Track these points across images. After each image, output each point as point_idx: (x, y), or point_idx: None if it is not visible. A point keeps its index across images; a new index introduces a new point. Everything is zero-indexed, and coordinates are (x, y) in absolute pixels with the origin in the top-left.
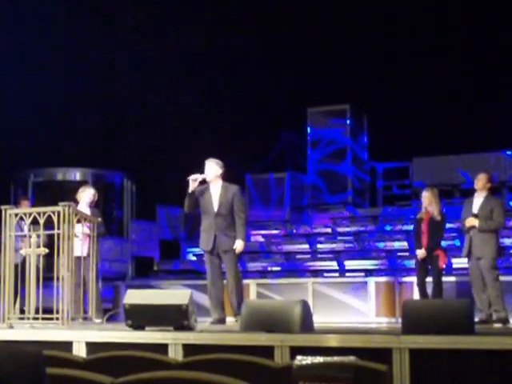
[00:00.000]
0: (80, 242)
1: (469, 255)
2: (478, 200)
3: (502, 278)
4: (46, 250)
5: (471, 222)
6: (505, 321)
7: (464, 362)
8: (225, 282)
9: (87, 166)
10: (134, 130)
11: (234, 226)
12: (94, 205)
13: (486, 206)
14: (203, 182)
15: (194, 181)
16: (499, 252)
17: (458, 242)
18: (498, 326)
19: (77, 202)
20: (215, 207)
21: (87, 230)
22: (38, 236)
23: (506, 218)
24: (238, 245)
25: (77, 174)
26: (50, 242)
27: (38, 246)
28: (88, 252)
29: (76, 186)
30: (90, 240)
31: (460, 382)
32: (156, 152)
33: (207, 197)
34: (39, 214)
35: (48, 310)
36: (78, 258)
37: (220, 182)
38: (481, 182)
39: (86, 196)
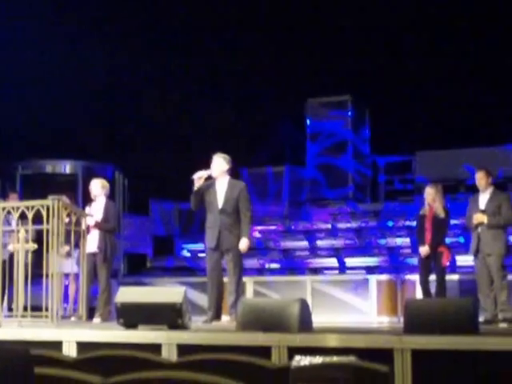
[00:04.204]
0: (92, 236)
1: (476, 253)
2: (484, 196)
3: (508, 277)
4: (35, 246)
5: (479, 218)
6: (510, 321)
7: (468, 363)
8: (225, 279)
9: (78, 159)
10: (128, 123)
11: (238, 224)
12: (108, 197)
13: (493, 202)
14: (209, 177)
15: (199, 179)
16: (508, 250)
17: (462, 239)
18: (503, 326)
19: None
20: (220, 204)
21: (91, 222)
22: (27, 231)
23: None
24: (243, 243)
25: (67, 167)
26: (38, 238)
27: (27, 242)
28: (99, 247)
29: (66, 179)
30: (101, 234)
31: (463, 383)
32: (149, 145)
33: (212, 193)
34: (28, 207)
35: (37, 309)
36: (90, 254)
37: (227, 178)
38: (482, 180)
39: (92, 188)
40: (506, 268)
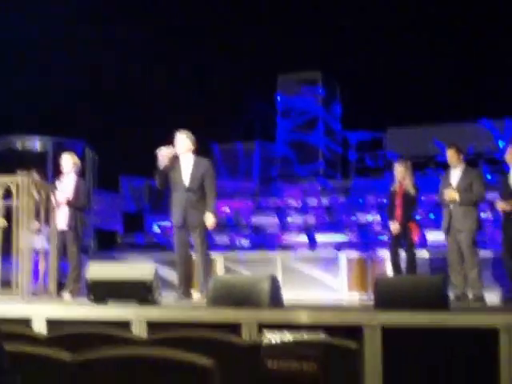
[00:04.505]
0: (61, 213)
1: (447, 230)
2: (455, 173)
3: (479, 254)
4: (5, 222)
5: (451, 195)
6: (480, 298)
7: (438, 339)
8: (193, 257)
9: (48, 135)
10: (98, 99)
11: (204, 201)
12: (78, 174)
13: (464, 179)
14: (174, 156)
15: (164, 156)
16: (479, 226)
17: (432, 216)
18: (473, 303)
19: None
20: (186, 182)
21: (61, 198)
22: None
23: None
24: (209, 219)
25: (37, 143)
26: (8, 214)
27: None
28: (68, 224)
29: (35, 155)
30: (70, 211)
31: (433, 360)
32: (119, 121)
33: (178, 171)
34: None
35: (7, 285)
36: (60, 230)
37: (191, 155)
38: (453, 157)
39: (63, 163)
40: (477, 245)
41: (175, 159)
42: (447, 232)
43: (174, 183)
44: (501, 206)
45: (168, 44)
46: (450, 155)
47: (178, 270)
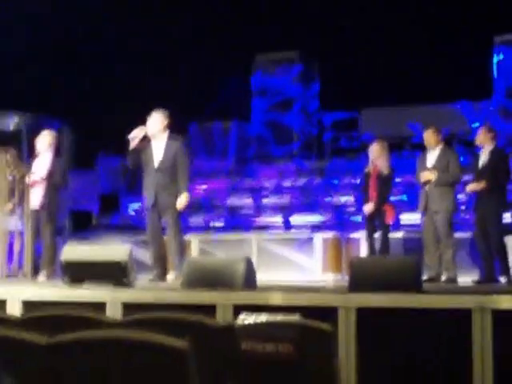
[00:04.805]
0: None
1: (424, 210)
2: (433, 153)
3: (455, 236)
4: None
5: (427, 176)
6: (453, 280)
7: (411, 321)
8: (166, 238)
9: (22, 112)
10: (74, 75)
11: (175, 182)
12: (55, 152)
13: (442, 159)
14: (145, 136)
15: (134, 137)
16: (456, 207)
17: (405, 197)
18: (446, 284)
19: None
20: (156, 163)
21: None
22: None
23: None
24: (182, 199)
25: (11, 121)
26: None
27: None
28: (42, 204)
29: (10, 133)
30: (45, 190)
31: (407, 341)
32: (96, 99)
33: (149, 152)
34: None
35: None
36: (35, 210)
37: (164, 135)
38: (431, 138)
39: (39, 142)
40: (452, 226)
41: (147, 140)
42: (424, 213)
43: (146, 164)
44: (469, 188)
45: (143, 22)
46: (428, 136)
47: (151, 251)
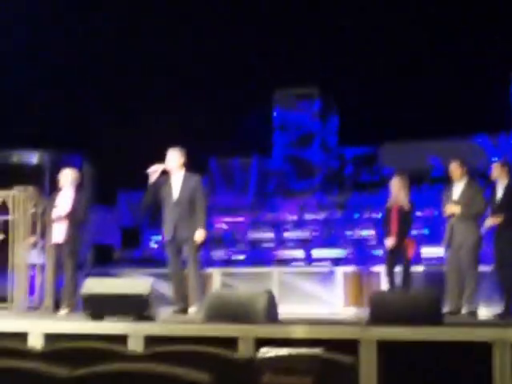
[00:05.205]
0: (57, 227)
1: (448, 244)
2: (458, 186)
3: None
4: (1, 236)
5: (451, 209)
6: (474, 313)
7: (432, 353)
8: (186, 271)
9: (43, 149)
10: (96, 113)
11: (194, 216)
12: (77, 188)
13: (466, 193)
14: (164, 172)
15: (153, 172)
16: (481, 241)
17: (427, 231)
18: (467, 317)
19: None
20: (175, 197)
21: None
22: None
23: None
24: (199, 234)
25: (32, 157)
26: (4, 228)
27: None
28: (64, 239)
29: (31, 169)
30: (68, 226)
31: (428, 373)
32: (117, 136)
33: (168, 186)
34: None
35: (3, 300)
36: (57, 245)
37: (182, 171)
38: (457, 171)
39: (62, 177)
40: (477, 260)
41: (166, 175)
42: (448, 246)
43: (165, 199)
44: (487, 222)
45: (166, 57)
46: (454, 168)
47: (172, 284)
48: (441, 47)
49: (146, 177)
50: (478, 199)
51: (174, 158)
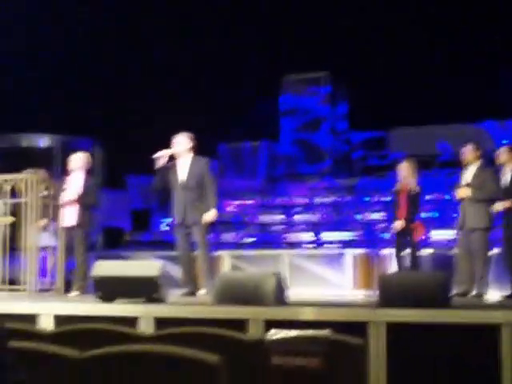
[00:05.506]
0: (68, 210)
1: (461, 227)
2: (470, 170)
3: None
4: (13, 219)
5: (463, 192)
6: (482, 295)
7: (441, 336)
8: (195, 254)
9: (54, 132)
10: (106, 96)
11: (203, 199)
12: (88, 172)
13: (478, 176)
14: (172, 157)
15: (160, 157)
16: (492, 224)
17: (436, 214)
18: (474, 299)
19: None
20: (183, 180)
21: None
22: (4, 204)
23: None
24: (210, 214)
25: (43, 141)
26: (15, 211)
27: (4, 215)
28: (76, 222)
29: (42, 152)
30: (78, 209)
31: (436, 355)
32: (127, 119)
33: (176, 171)
34: (5, 180)
35: (15, 282)
36: (68, 228)
37: (190, 156)
38: (470, 154)
39: (73, 161)
40: (488, 244)
41: (173, 160)
42: (460, 228)
43: (173, 183)
44: (495, 207)
45: (172, 43)
46: (468, 152)
47: (182, 267)
48: (448, 33)
49: (154, 161)
50: (490, 183)
51: (182, 143)
